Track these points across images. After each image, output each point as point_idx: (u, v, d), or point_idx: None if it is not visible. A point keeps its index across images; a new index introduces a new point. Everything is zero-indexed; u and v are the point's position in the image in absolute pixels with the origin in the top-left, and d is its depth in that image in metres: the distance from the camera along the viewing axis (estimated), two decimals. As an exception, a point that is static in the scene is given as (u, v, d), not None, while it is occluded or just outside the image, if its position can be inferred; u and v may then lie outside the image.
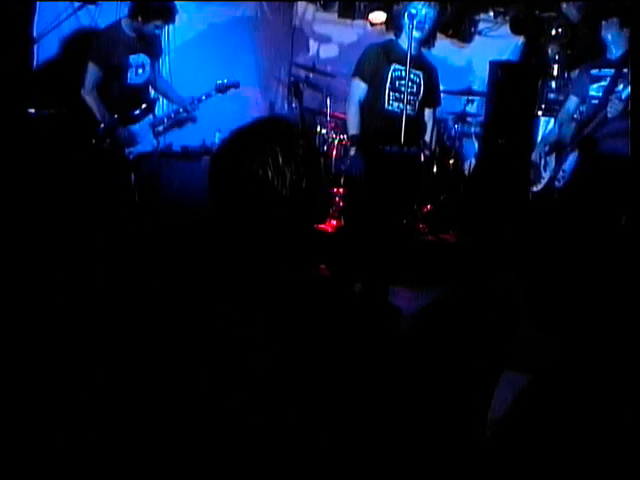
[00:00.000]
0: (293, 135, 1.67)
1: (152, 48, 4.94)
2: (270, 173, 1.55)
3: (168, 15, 4.72)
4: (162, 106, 5.20)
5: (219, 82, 5.08)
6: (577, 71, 5.39)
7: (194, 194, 5.64)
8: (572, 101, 4.93)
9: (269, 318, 1.48)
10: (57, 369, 1.52)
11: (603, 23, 4.66)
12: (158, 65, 5.08)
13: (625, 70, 4.54)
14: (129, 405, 1.40)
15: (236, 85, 5.17)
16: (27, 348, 1.67)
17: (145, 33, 4.79)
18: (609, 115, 4.48)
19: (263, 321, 1.47)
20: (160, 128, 5.07)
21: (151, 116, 5.00)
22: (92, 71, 4.74)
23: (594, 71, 4.71)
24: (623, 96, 4.43)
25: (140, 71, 4.90)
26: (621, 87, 4.52)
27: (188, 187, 5.97)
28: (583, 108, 4.84)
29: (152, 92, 5.14)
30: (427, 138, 4.75)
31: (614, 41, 4.64)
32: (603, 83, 4.67)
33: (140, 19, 4.67)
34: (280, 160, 1.57)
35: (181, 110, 5.03)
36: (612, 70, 4.64)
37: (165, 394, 1.40)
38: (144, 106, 4.99)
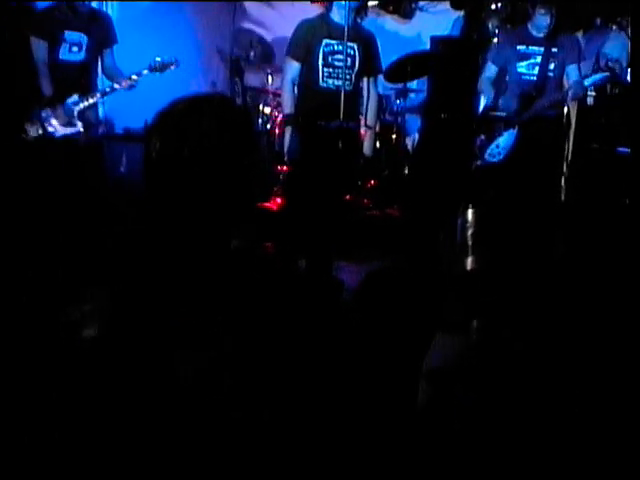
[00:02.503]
0: (227, 109, 1.67)
1: (92, 27, 4.84)
2: (203, 149, 1.52)
3: None
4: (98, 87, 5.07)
5: (157, 59, 4.85)
6: (499, 39, 5.51)
7: (139, 176, 5.59)
8: (491, 69, 5.08)
9: (215, 298, 1.48)
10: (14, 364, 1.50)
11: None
12: (104, 45, 4.96)
13: (554, 50, 4.73)
14: (97, 403, 1.39)
15: (174, 63, 4.93)
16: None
17: (77, 9, 4.72)
18: (569, 99, 4.70)
19: (210, 302, 1.47)
20: (82, 107, 4.82)
21: (76, 96, 4.79)
22: (35, 43, 4.68)
23: (521, 47, 4.87)
24: (587, 83, 4.64)
25: (75, 49, 4.79)
26: (552, 66, 4.72)
27: (133, 169, 5.94)
28: (509, 79, 4.98)
29: (89, 74, 4.99)
30: (368, 109, 4.72)
31: (540, 21, 4.78)
32: (532, 61, 4.83)
33: None
34: (214, 135, 1.54)
35: (116, 86, 4.85)
36: (539, 49, 4.80)
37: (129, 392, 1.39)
38: (76, 85, 4.84)
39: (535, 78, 4.88)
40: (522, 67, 4.91)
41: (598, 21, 6.42)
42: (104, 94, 4.90)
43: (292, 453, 1.43)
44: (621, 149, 5.41)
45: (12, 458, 1.35)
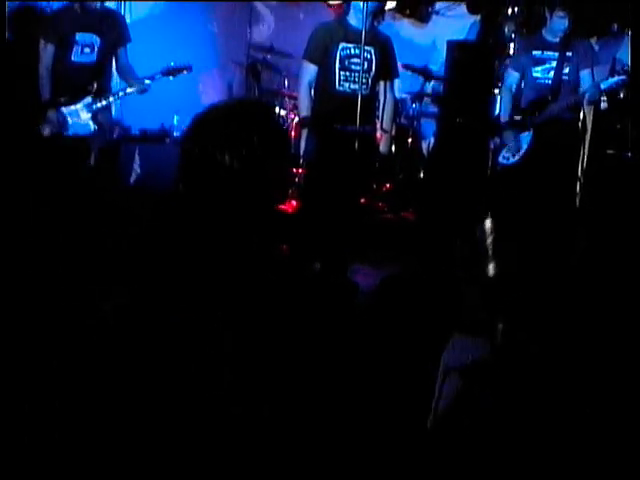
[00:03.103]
0: (265, 115, 1.67)
1: (104, 27, 4.83)
2: (243, 156, 1.54)
3: None
4: (114, 88, 5.07)
5: (171, 64, 4.88)
6: (516, 46, 5.56)
7: (157, 177, 5.61)
8: (513, 76, 5.12)
9: (233, 298, 1.49)
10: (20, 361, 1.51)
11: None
12: (118, 44, 4.96)
13: (568, 54, 4.76)
14: (100, 399, 1.40)
15: (187, 68, 4.95)
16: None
17: (88, 9, 4.72)
18: (586, 102, 4.73)
19: (228, 302, 1.48)
20: (95, 108, 4.82)
21: (90, 98, 4.79)
22: (44, 46, 4.69)
23: (536, 53, 4.91)
24: (603, 87, 4.67)
25: (87, 50, 4.79)
26: (567, 70, 4.76)
27: (151, 170, 5.95)
28: (525, 84, 5.03)
29: (101, 75, 4.95)
30: (385, 113, 4.72)
31: (557, 24, 4.82)
32: (547, 66, 4.87)
33: None
34: (254, 142, 1.55)
35: (129, 90, 4.87)
36: (554, 53, 4.84)
37: (138, 387, 1.41)
38: (87, 88, 4.82)
39: (550, 82, 4.92)
40: (537, 72, 4.96)
41: (615, 27, 6.40)
42: (117, 96, 4.91)
43: (293, 449, 1.43)
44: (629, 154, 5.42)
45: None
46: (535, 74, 4.96)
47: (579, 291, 2.43)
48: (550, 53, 4.91)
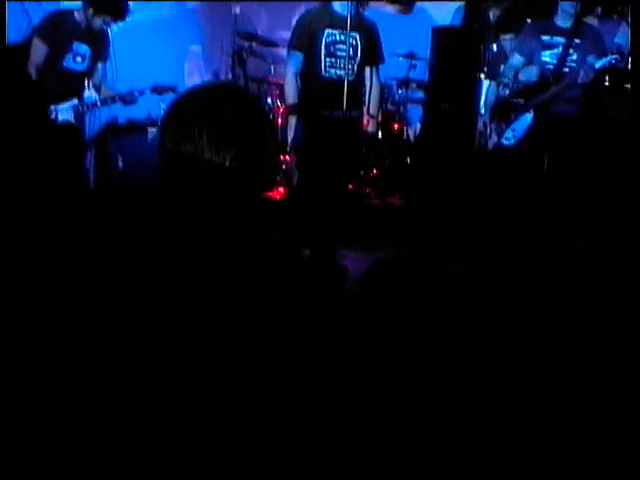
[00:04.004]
0: (243, 98, 1.65)
1: (97, 43, 4.99)
2: (221, 138, 1.53)
3: (119, 14, 4.77)
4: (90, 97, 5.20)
5: (157, 84, 5.20)
6: (525, 30, 5.56)
7: (143, 166, 5.61)
8: (517, 59, 5.14)
9: (219, 292, 1.48)
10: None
11: None
12: (100, 59, 5.09)
13: (577, 40, 4.79)
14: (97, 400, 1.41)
15: (173, 89, 5.23)
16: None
17: (92, 26, 4.83)
18: (580, 81, 4.75)
19: (226, 298, 1.47)
20: (82, 111, 5.07)
21: (76, 100, 5.00)
22: (37, 46, 4.73)
23: (545, 38, 4.96)
24: (597, 65, 4.70)
25: (79, 59, 4.92)
26: (575, 56, 4.77)
27: (136, 160, 5.95)
28: (532, 70, 5.04)
29: (86, 84, 5.14)
30: (370, 99, 4.74)
31: (567, 10, 4.83)
32: (556, 51, 4.90)
33: (91, 11, 4.70)
34: (233, 123, 1.54)
35: (117, 98, 5.02)
36: (563, 39, 4.85)
37: (136, 388, 1.41)
38: (73, 92, 5.02)
39: (552, 67, 4.95)
40: (546, 56, 5.04)
41: (599, 10, 6.43)
42: (104, 103, 5.03)
43: (294, 447, 1.43)
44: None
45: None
46: (544, 58, 5.05)
47: (576, 282, 2.45)
48: (559, 38, 4.96)
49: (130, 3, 5.05)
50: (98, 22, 4.89)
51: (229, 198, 1.57)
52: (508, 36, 6.24)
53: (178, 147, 1.55)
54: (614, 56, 4.85)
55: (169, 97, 5.05)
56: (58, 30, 4.90)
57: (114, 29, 5.19)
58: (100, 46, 5.15)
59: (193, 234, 1.53)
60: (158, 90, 5.21)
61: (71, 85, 5.05)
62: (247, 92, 1.73)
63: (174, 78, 5.49)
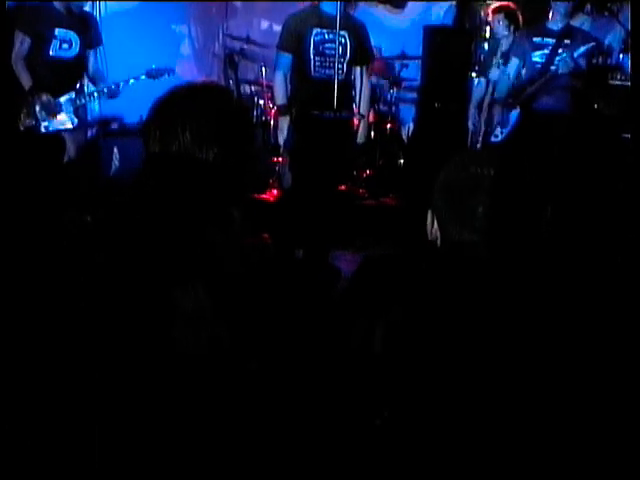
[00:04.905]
0: (225, 97, 1.66)
1: (82, 27, 4.88)
2: (204, 136, 1.53)
3: None
4: (87, 85, 5.13)
5: (152, 67, 5.00)
6: (518, 34, 5.65)
7: (135, 171, 5.60)
8: (513, 62, 5.23)
9: (209, 286, 1.46)
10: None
11: None
12: (90, 46, 5.02)
13: (567, 41, 4.86)
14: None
15: (170, 71, 5.06)
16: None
17: (73, 9, 4.78)
18: (560, 71, 4.90)
19: (203, 289, 1.45)
20: (81, 103, 4.92)
21: (73, 93, 4.87)
22: (20, 39, 4.70)
23: (536, 39, 5.07)
24: (575, 55, 4.87)
25: (65, 46, 4.83)
26: (564, 55, 4.86)
27: (130, 163, 5.94)
28: (523, 70, 5.15)
29: (80, 71, 5.05)
30: (361, 98, 4.71)
31: (559, 11, 4.92)
32: (545, 51, 5.03)
33: None
34: (215, 122, 1.55)
35: (106, 90, 4.94)
36: (553, 40, 4.94)
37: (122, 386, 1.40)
38: (68, 82, 4.88)
39: (540, 66, 5.03)
40: (536, 57, 5.13)
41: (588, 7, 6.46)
42: (102, 93, 4.97)
43: (287, 443, 1.43)
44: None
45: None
46: (534, 59, 5.10)
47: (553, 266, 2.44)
48: (549, 39, 5.06)
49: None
50: (75, 5, 4.81)
51: (214, 194, 1.56)
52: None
53: (162, 143, 1.55)
54: (592, 43, 4.96)
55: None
56: (37, 18, 4.76)
57: (102, 14, 5.11)
58: (88, 31, 4.96)
59: (175, 230, 1.51)
60: (153, 75, 4.99)
61: (65, 75, 4.88)
62: (228, 90, 1.73)
63: (168, 61, 5.19)
